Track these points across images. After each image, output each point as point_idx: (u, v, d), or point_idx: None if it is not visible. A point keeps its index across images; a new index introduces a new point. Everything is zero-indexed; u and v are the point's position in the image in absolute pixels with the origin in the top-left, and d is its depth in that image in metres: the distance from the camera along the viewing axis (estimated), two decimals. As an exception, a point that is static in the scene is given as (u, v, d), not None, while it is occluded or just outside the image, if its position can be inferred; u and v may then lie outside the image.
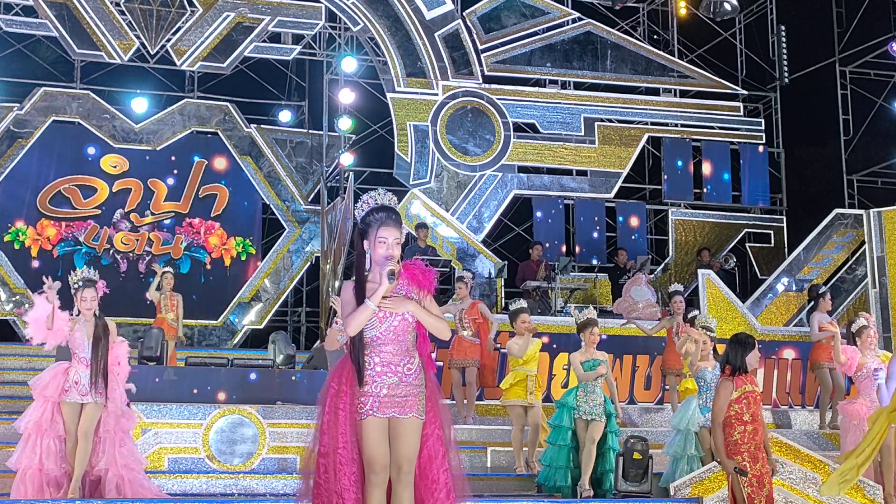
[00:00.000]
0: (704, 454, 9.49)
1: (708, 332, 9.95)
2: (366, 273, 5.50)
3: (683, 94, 19.38)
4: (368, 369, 5.40)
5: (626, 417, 12.61)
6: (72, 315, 8.38)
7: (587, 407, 9.52)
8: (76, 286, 8.38)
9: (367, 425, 5.35)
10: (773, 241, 19.28)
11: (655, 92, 19.36)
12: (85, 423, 8.11)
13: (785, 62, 19.94)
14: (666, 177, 19.06)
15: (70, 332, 8.25)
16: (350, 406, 5.38)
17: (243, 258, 17.79)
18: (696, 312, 11.80)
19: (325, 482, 5.38)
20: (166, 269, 13.99)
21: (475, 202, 18.03)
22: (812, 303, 13.33)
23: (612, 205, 18.86)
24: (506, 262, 17.19)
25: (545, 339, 10.47)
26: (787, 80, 19.96)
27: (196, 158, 17.75)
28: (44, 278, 8.37)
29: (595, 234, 18.56)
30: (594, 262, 18.52)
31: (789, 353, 13.93)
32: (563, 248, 18.28)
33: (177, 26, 17.38)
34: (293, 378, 10.82)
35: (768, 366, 13.66)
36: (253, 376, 10.59)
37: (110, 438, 8.25)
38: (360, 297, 5.39)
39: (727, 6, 19.58)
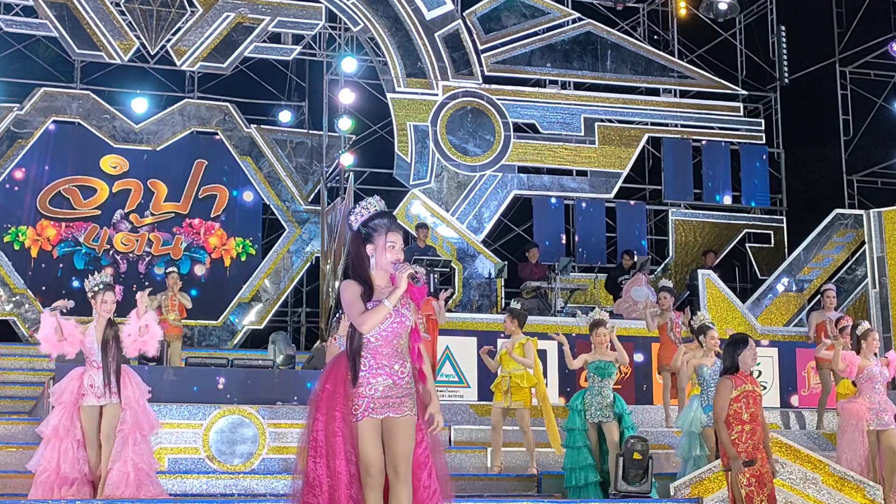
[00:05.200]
0: (710, 453, 9.49)
1: (712, 328, 10.00)
2: (370, 273, 5.56)
3: (683, 94, 19.38)
4: (363, 370, 5.45)
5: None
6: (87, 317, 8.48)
7: (594, 409, 9.54)
8: (95, 289, 8.43)
9: (362, 427, 5.39)
10: (773, 242, 19.27)
11: (655, 92, 19.35)
12: (106, 427, 8.22)
13: (785, 62, 19.94)
14: (665, 177, 19.07)
15: (83, 337, 8.32)
16: (344, 407, 5.42)
17: (243, 258, 17.79)
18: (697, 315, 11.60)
19: (320, 483, 5.40)
20: (171, 269, 14.01)
21: (475, 202, 18.03)
22: (817, 300, 13.39)
23: (612, 205, 18.86)
24: (506, 262, 17.18)
25: (524, 340, 10.36)
26: (787, 80, 19.95)
27: (196, 159, 17.78)
28: (62, 302, 8.44)
29: (595, 235, 18.55)
30: (594, 262, 18.53)
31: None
32: (563, 249, 18.29)
33: (177, 26, 17.38)
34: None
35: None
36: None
37: (125, 437, 8.30)
38: (367, 298, 5.46)
39: (723, 6, 19.57)
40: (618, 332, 13.13)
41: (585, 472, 9.48)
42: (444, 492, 5.59)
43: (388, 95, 18.01)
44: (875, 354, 10.18)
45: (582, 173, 18.73)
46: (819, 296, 13.06)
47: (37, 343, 15.45)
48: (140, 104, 17.60)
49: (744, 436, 7.43)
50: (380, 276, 5.54)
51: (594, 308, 10.91)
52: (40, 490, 8.07)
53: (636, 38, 19.69)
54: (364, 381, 5.43)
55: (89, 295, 8.48)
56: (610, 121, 18.95)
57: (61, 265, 16.84)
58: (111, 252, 17.12)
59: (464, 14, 18.44)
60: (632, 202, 19.18)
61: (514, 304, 10.86)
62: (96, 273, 8.72)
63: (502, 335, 10.83)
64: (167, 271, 13.82)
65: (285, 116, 19.20)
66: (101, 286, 8.44)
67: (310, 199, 18.30)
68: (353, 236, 5.63)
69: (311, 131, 18.84)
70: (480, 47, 18.43)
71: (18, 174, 16.97)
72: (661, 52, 19.54)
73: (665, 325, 12.38)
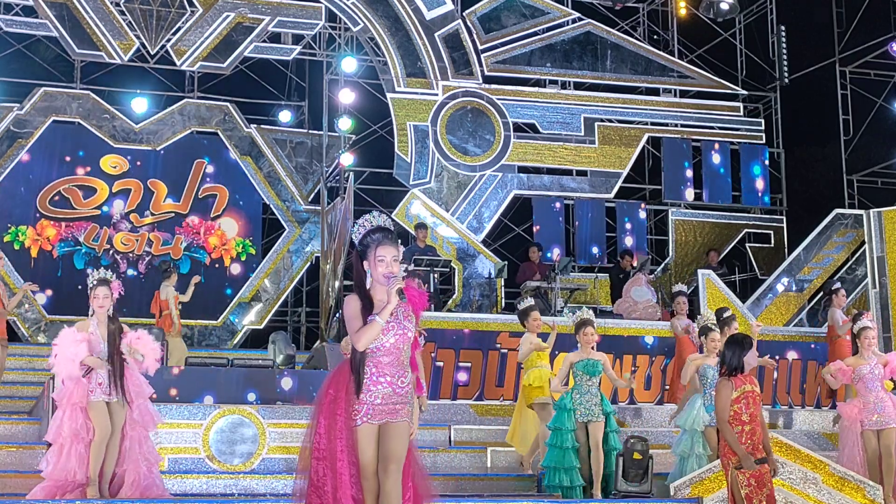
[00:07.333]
0: (711, 453, 9.49)
1: (713, 329, 9.99)
2: (368, 289, 5.73)
3: (683, 94, 19.39)
4: (366, 379, 5.63)
5: (626, 417, 12.59)
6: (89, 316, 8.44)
7: (583, 409, 9.54)
8: (91, 286, 8.42)
9: (361, 432, 5.58)
10: (773, 241, 19.27)
11: (655, 92, 19.36)
12: (114, 422, 8.19)
13: (785, 62, 19.94)
14: (665, 177, 19.08)
15: (87, 335, 8.28)
16: (346, 413, 5.61)
17: (243, 258, 17.79)
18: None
19: (323, 484, 5.58)
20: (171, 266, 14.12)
21: (475, 202, 18.04)
22: (826, 299, 13.43)
23: (612, 205, 18.86)
24: (506, 262, 17.20)
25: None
26: (787, 80, 19.96)
27: (196, 159, 17.78)
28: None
29: (595, 235, 18.57)
30: (594, 260, 18.54)
31: (791, 354, 13.89)
32: (563, 249, 18.31)
33: (177, 26, 17.39)
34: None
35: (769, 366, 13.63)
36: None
37: (134, 436, 8.29)
38: (366, 313, 5.63)
39: (724, 6, 19.58)
40: (618, 331, 13.28)
41: (570, 475, 9.46)
42: (426, 490, 5.79)
43: (388, 95, 18.01)
44: (873, 352, 10.11)
45: (582, 173, 18.74)
46: (832, 294, 13.12)
47: (37, 343, 15.52)
48: (140, 104, 17.60)
49: (744, 436, 7.43)
50: (380, 290, 5.68)
51: (581, 307, 10.90)
52: (44, 493, 8.02)
53: (636, 38, 19.69)
54: (366, 389, 5.61)
55: (89, 290, 8.46)
56: (610, 121, 18.95)
57: (61, 265, 16.83)
58: (111, 252, 17.12)
59: (464, 14, 18.44)
60: (627, 202, 19.21)
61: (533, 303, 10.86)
62: (99, 269, 8.70)
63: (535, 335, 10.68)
64: (170, 268, 13.90)
65: (285, 116, 19.19)
66: (96, 282, 8.42)
67: (310, 199, 18.29)
68: (354, 252, 5.83)
69: (311, 131, 18.84)
70: (480, 47, 18.44)
71: (18, 174, 16.96)
72: (661, 52, 19.55)
73: (686, 327, 12.52)
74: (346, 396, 5.61)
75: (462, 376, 12.69)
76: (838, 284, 13.43)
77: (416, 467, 5.80)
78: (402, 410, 5.63)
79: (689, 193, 19.03)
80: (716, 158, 19.09)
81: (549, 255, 17.69)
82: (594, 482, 9.40)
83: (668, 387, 13.30)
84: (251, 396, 10.66)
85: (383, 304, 5.62)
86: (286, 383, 10.79)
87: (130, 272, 17.07)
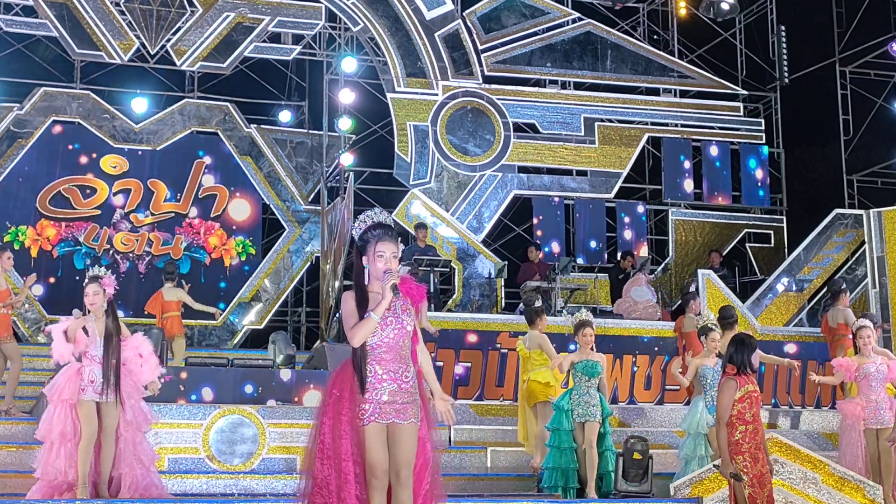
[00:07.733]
0: (714, 454, 9.49)
1: (714, 330, 9.99)
2: (366, 285, 5.73)
3: (683, 94, 19.39)
4: (370, 377, 5.62)
5: (626, 417, 12.59)
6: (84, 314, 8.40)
7: (580, 409, 9.55)
8: (85, 282, 8.41)
9: (368, 431, 5.55)
10: (773, 241, 19.28)
11: (655, 92, 19.36)
12: (107, 423, 8.10)
13: (785, 62, 19.95)
14: (665, 177, 19.08)
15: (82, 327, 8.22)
16: (351, 412, 5.60)
17: (243, 258, 17.79)
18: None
19: (327, 484, 5.56)
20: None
21: (475, 202, 18.04)
22: (828, 298, 13.44)
23: (613, 205, 18.87)
24: (506, 262, 17.20)
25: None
26: (787, 80, 19.96)
27: (196, 159, 17.78)
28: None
29: (594, 231, 18.58)
30: (593, 256, 18.54)
31: (790, 348, 13.86)
32: (563, 249, 18.32)
33: (177, 26, 17.39)
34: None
35: (769, 365, 13.63)
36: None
37: (128, 437, 8.25)
38: (363, 309, 5.62)
39: (725, 6, 19.60)
40: (618, 331, 13.28)
41: (567, 475, 9.49)
42: (438, 491, 5.77)
43: (388, 95, 18.01)
44: (874, 350, 10.11)
45: (582, 173, 18.74)
46: (840, 294, 13.10)
47: (37, 343, 15.53)
48: (140, 104, 17.60)
49: (747, 436, 7.43)
50: (378, 286, 5.69)
51: (580, 308, 10.91)
52: (40, 493, 8.00)
53: (636, 38, 19.70)
54: (370, 387, 5.60)
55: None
56: (610, 121, 18.95)
57: (61, 265, 16.83)
58: (111, 252, 17.12)
59: (464, 14, 18.44)
60: (627, 201, 19.21)
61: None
62: (95, 267, 8.68)
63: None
64: (175, 270, 14.05)
65: (285, 116, 19.19)
66: (88, 279, 8.40)
67: (310, 199, 18.29)
68: (354, 248, 5.86)
69: (311, 131, 18.84)
70: (480, 47, 18.44)
71: (18, 174, 16.97)
72: (661, 52, 19.55)
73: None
74: (350, 395, 5.60)
75: (459, 369, 12.69)
76: (845, 285, 13.39)
77: (434, 465, 5.76)
78: (408, 410, 5.60)
79: (689, 184, 19.03)
80: (713, 150, 19.10)
81: (547, 249, 17.71)
82: (588, 482, 9.40)
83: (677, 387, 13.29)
84: (248, 388, 10.63)
85: (379, 301, 5.62)
86: (284, 374, 10.81)
87: (130, 272, 17.10)
